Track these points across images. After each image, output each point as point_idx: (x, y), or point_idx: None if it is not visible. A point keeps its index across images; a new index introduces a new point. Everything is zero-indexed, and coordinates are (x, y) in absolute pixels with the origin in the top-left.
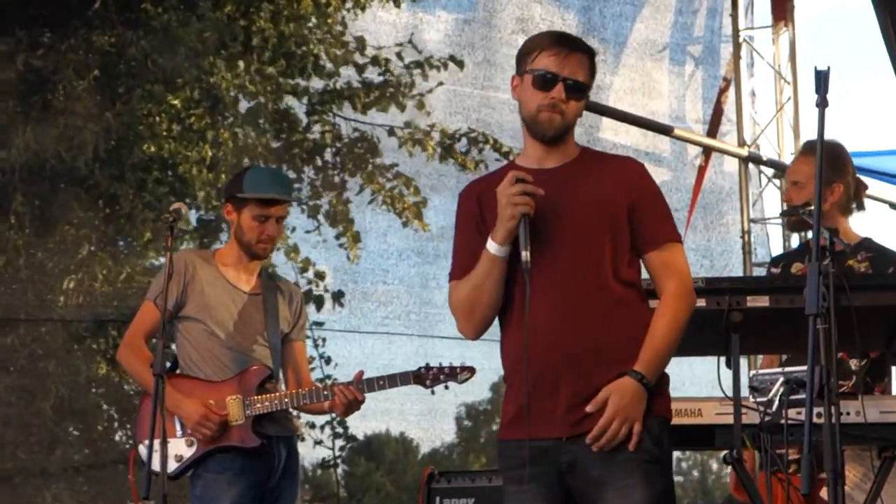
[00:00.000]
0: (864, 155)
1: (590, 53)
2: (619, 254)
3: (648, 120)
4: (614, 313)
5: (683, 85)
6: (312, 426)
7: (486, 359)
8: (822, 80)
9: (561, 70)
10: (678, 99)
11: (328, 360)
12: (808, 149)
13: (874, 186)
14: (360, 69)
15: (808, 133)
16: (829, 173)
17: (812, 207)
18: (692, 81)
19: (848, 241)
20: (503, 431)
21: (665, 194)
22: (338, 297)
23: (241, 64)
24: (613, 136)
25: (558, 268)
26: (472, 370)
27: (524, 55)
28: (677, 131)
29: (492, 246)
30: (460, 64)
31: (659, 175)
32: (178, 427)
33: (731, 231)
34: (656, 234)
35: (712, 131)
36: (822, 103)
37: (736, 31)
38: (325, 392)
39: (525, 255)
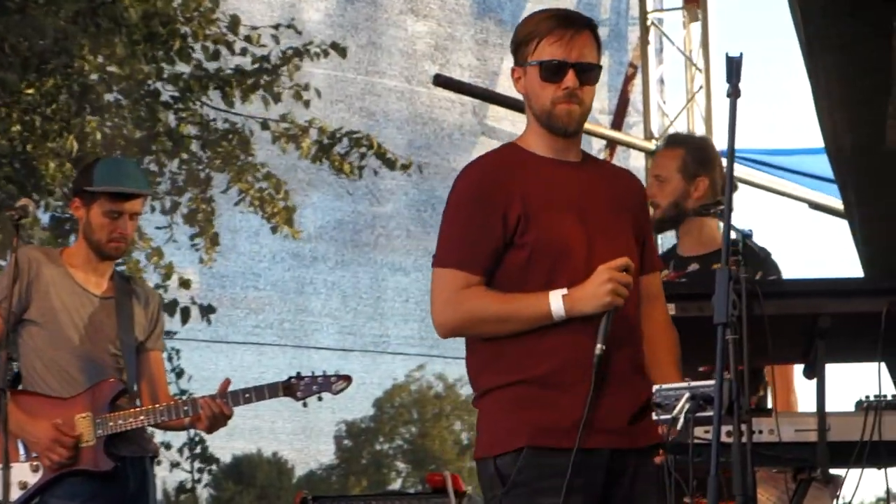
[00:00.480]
0: (784, 153)
1: (593, 27)
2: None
3: None
4: (639, 326)
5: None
6: (168, 447)
7: (367, 372)
8: (733, 67)
9: (569, 55)
10: None
11: (179, 374)
12: (671, 142)
13: (793, 186)
14: (232, 52)
15: (721, 125)
16: (695, 168)
17: (723, 207)
18: None
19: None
20: (546, 439)
21: None
22: (207, 311)
23: (107, 47)
24: (511, 127)
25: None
26: (348, 379)
27: (522, 44)
28: None
29: (558, 310)
30: (342, 51)
31: None
32: (21, 450)
33: None
34: (653, 259)
35: (617, 123)
36: (734, 93)
37: (644, 13)
38: (186, 407)
39: (601, 348)
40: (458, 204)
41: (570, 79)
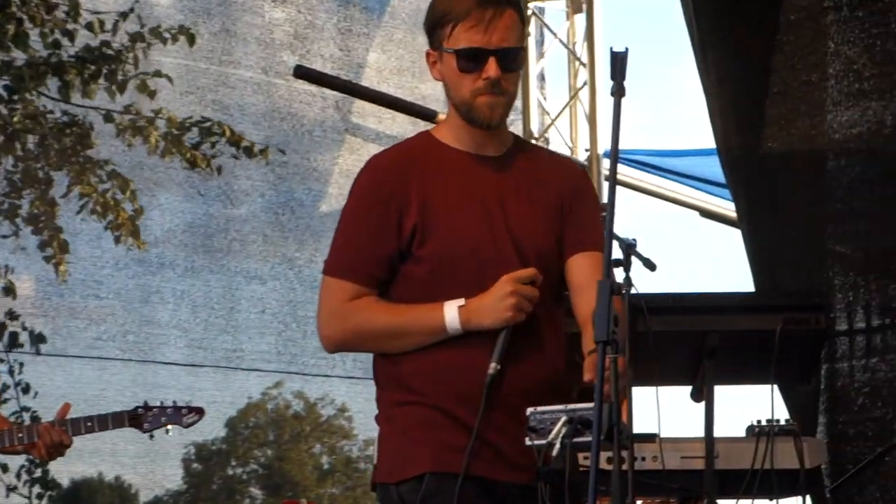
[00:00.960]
0: (674, 155)
1: (515, 4)
2: (560, 269)
3: (414, 105)
4: (556, 333)
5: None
6: (5, 469)
7: (220, 390)
8: (618, 63)
9: (489, 41)
10: None
11: (26, 389)
12: None
13: (683, 191)
14: (72, 39)
15: (606, 125)
16: None
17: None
18: None
19: None
20: (449, 464)
21: None
22: (38, 339)
23: None
24: (377, 124)
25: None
26: (200, 412)
27: (437, 27)
28: (442, 117)
29: (453, 323)
30: (192, 37)
31: None
32: None
33: None
34: (586, 238)
35: None
36: (619, 91)
37: (523, 1)
38: (21, 434)
39: (495, 367)
40: (353, 205)
41: (491, 68)
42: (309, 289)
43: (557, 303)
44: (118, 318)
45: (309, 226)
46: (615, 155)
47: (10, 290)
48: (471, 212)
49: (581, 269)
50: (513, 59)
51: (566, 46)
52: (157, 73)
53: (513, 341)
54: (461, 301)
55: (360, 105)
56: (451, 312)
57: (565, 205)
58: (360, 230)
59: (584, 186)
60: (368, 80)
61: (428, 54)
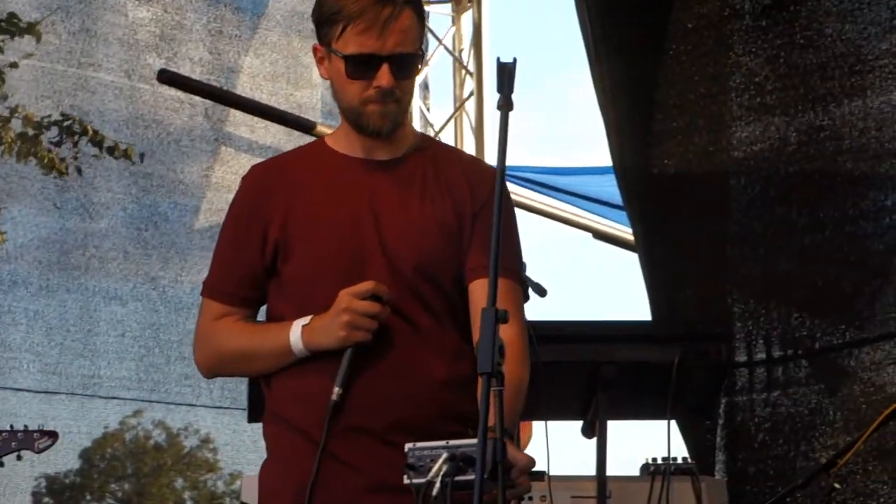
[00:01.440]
0: (567, 173)
1: (415, 3)
2: (459, 291)
3: (288, 114)
4: (447, 356)
5: None
6: None
7: (75, 418)
8: (505, 75)
9: (382, 46)
10: (330, 89)
11: None
12: None
13: (577, 212)
14: None
15: (493, 139)
16: None
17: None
18: None
19: None
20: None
21: None
22: None
23: None
24: (249, 133)
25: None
26: (53, 436)
27: (326, 23)
28: (321, 129)
29: (297, 344)
30: (38, 35)
31: None
32: None
33: None
34: (487, 262)
35: None
36: (506, 104)
37: None
38: None
39: (337, 392)
40: (226, 220)
41: (383, 76)
42: (173, 311)
43: (453, 319)
44: None
45: (174, 243)
46: (502, 172)
47: None
48: (339, 224)
49: (478, 300)
50: (408, 66)
51: (451, 53)
52: (14, 65)
53: (377, 361)
54: (307, 320)
55: (232, 113)
56: (296, 332)
57: (468, 217)
58: (227, 247)
59: (484, 194)
60: (241, 87)
61: (315, 49)
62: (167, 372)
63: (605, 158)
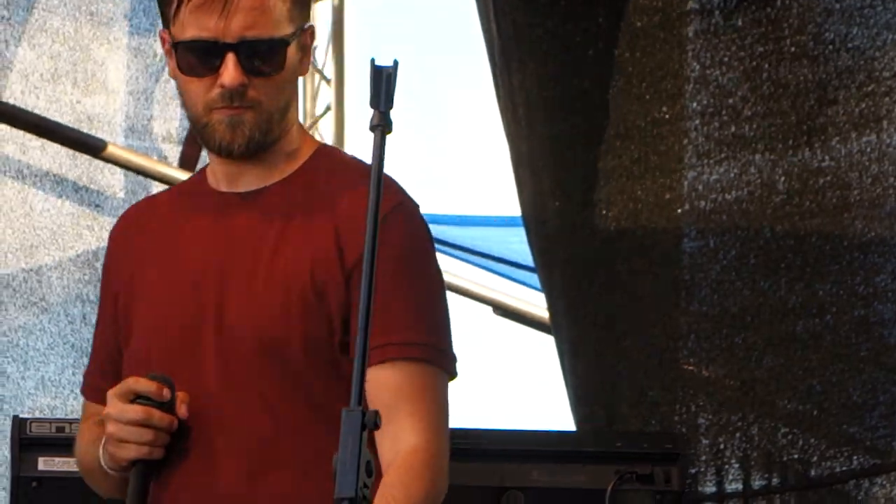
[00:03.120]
0: (460, 223)
1: None
2: (317, 366)
3: (73, 131)
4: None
5: (147, 72)
6: None
7: None
8: (383, 83)
9: (224, 29)
10: (137, 96)
11: None
12: None
13: (472, 276)
14: None
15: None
16: None
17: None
18: (165, 67)
19: None
20: None
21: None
22: None
23: None
24: (20, 154)
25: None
26: None
27: (163, 2)
28: (115, 151)
29: (104, 459)
30: None
31: (100, 230)
32: None
33: None
34: (383, 337)
35: (188, 158)
36: (382, 123)
37: None
38: None
39: None
40: None
41: (230, 72)
42: None
43: (315, 414)
44: None
45: None
46: (375, 215)
47: None
48: (179, 283)
49: (371, 395)
50: (268, 57)
51: None
52: None
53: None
54: None
55: None
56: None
57: (334, 277)
58: (96, 328)
59: (383, 235)
60: (10, 90)
61: (161, 38)
62: None
63: (511, 206)
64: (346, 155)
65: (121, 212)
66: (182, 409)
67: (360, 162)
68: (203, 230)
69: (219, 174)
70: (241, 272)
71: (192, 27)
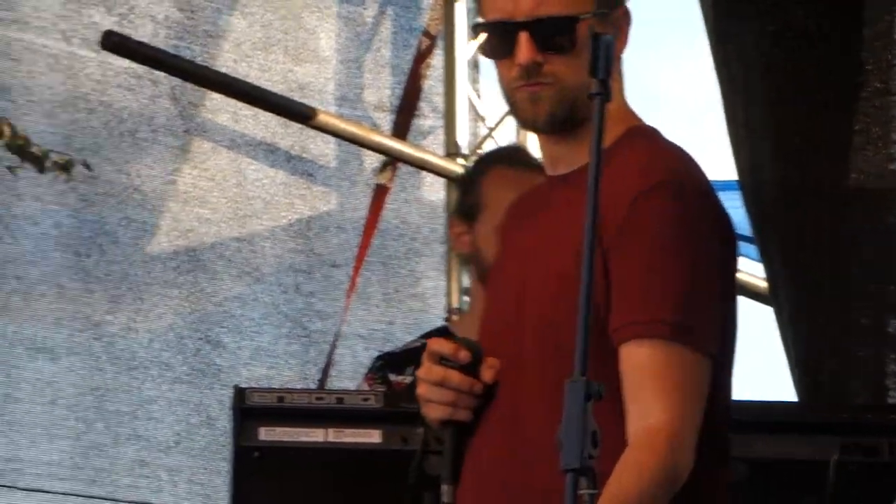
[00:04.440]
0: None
1: None
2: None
3: (283, 98)
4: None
5: (358, 40)
6: None
7: None
8: (601, 53)
9: (513, 11)
10: (348, 64)
11: None
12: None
13: None
14: None
15: None
16: None
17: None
18: (376, 35)
19: None
20: None
21: (320, 234)
22: None
23: None
24: (232, 122)
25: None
26: None
27: None
28: (325, 118)
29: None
30: None
31: (312, 199)
32: None
33: (430, 304)
34: (632, 312)
35: (401, 126)
36: (603, 91)
37: None
38: None
39: (446, 490)
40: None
41: (522, 50)
42: (124, 370)
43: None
44: None
45: (128, 274)
46: (596, 185)
47: None
48: (509, 270)
49: (623, 374)
50: (558, 32)
51: None
52: None
53: (496, 440)
54: None
55: (209, 95)
56: None
57: (603, 248)
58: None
59: (636, 213)
60: (222, 58)
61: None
62: (115, 456)
63: (727, 170)
64: (651, 137)
65: (333, 181)
66: (488, 374)
67: (657, 143)
68: (535, 210)
69: (544, 157)
70: (545, 253)
71: (490, 10)
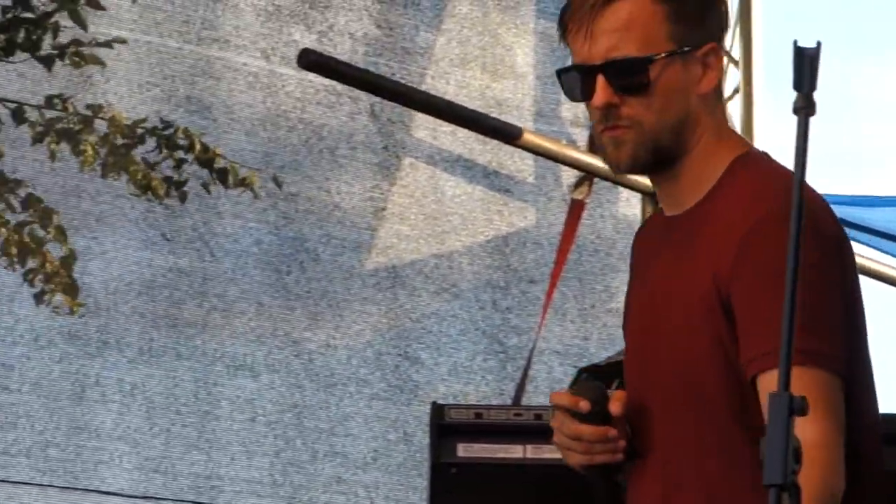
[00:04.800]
0: (877, 205)
1: None
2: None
3: (485, 116)
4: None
5: (554, 56)
6: None
7: None
8: (806, 65)
9: (588, 55)
10: (545, 80)
11: None
12: None
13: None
14: None
15: (765, 147)
16: None
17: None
18: None
19: None
20: None
21: (517, 250)
22: None
23: None
24: (430, 138)
25: (658, 415)
26: None
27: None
28: (530, 138)
29: None
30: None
31: (508, 215)
32: None
33: None
34: (762, 346)
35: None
36: (805, 105)
37: None
38: None
39: None
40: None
41: (598, 93)
42: (322, 387)
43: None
44: (36, 422)
45: (327, 292)
46: (800, 205)
47: None
48: (640, 306)
49: (765, 405)
50: (631, 74)
51: None
52: (107, 43)
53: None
54: None
55: (408, 112)
56: None
57: (722, 288)
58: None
59: (748, 246)
60: (420, 75)
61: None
62: (313, 473)
63: None
64: (753, 164)
65: (530, 197)
66: (615, 407)
67: (760, 170)
68: (656, 252)
69: (662, 198)
70: (667, 289)
71: (573, 54)
